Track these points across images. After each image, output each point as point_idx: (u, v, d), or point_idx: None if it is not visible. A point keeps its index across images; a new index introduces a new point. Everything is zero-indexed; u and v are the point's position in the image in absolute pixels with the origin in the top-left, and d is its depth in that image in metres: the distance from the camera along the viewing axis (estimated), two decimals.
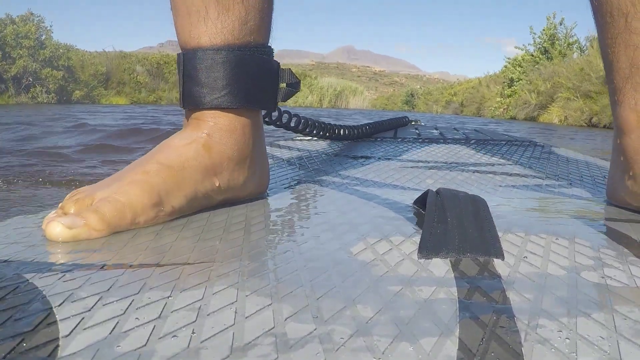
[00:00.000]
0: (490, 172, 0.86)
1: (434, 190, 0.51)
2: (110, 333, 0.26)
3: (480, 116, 20.35)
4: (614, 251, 0.40)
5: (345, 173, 0.83)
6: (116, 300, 0.30)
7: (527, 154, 1.16)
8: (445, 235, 0.40)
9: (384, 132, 1.59)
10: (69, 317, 0.28)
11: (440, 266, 0.36)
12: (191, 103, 0.56)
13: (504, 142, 1.37)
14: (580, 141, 5.48)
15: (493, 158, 1.07)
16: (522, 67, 18.89)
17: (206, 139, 0.54)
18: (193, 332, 0.26)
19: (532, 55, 19.23)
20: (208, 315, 0.28)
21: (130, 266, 0.36)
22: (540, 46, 19.21)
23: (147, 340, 0.25)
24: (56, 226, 0.43)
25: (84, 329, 0.27)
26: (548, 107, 14.55)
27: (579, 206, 0.58)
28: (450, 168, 0.91)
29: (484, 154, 1.14)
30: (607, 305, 0.30)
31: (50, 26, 17.00)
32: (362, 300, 0.30)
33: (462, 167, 0.92)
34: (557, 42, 18.93)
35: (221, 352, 0.24)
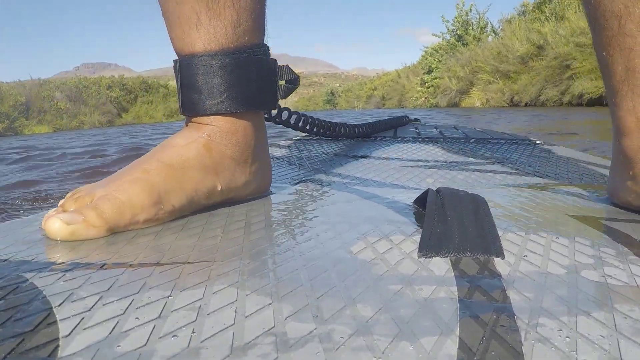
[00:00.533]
0: (490, 171, 0.86)
1: (434, 189, 0.51)
2: (110, 333, 0.26)
3: (402, 107, 20.64)
4: (614, 250, 0.40)
5: (345, 172, 0.83)
6: (116, 300, 0.30)
7: (527, 152, 1.16)
8: (446, 234, 0.40)
9: (384, 132, 1.59)
10: (69, 317, 0.28)
11: (440, 265, 0.36)
12: (191, 110, 0.56)
13: (503, 141, 1.37)
14: (503, 122, 5.49)
15: (493, 157, 1.07)
16: (438, 53, 19.41)
17: (207, 140, 0.54)
18: (193, 332, 0.26)
19: (448, 43, 19.65)
20: (208, 314, 0.28)
21: (130, 265, 0.36)
22: (455, 33, 19.69)
23: (147, 340, 0.25)
24: (55, 222, 0.43)
25: (84, 328, 0.27)
26: (469, 91, 14.93)
27: (579, 205, 0.58)
28: (450, 167, 0.91)
29: (483, 152, 1.14)
30: (608, 304, 0.30)
31: None
32: (362, 300, 0.30)
33: (462, 166, 0.92)
34: (470, 27, 19.39)
35: (221, 352, 0.24)
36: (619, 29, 0.52)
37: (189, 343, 0.25)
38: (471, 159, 1.03)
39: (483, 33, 19.03)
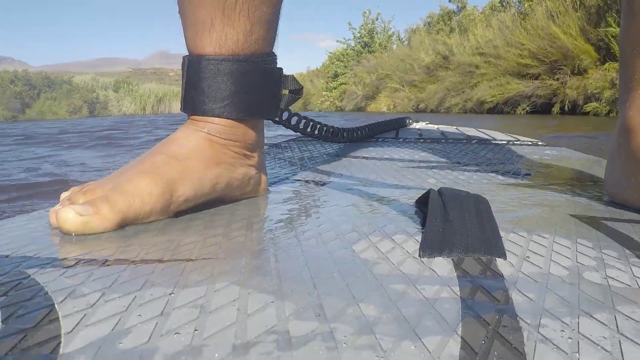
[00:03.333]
0: (492, 172, 0.86)
1: (436, 189, 0.51)
2: (112, 330, 0.26)
3: (308, 110, 21.35)
4: (616, 252, 0.40)
5: (347, 173, 0.83)
6: (118, 297, 0.30)
7: (529, 152, 1.16)
8: (448, 234, 0.40)
9: (386, 133, 1.59)
10: (71, 314, 0.28)
11: (443, 265, 0.36)
12: (191, 110, 0.57)
13: (505, 142, 1.37)
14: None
15: (495, 157, 1.07)
16: (343, 61, 20.12)
17: (207, 134, 0.56)
18: (195, 330, 0.26)
19: (354, 49, 20.37)
20: (210, 312, 0.28)
21: (133, 262, 0.36)
22: (360, 40, 20.42)
23: (150, 337, 0.25)
24: (68, 212, 0.43)
25: (87, 325, 0.27)
26: (375, 97, 15.57)
27: (581, 205, 0.58)
28: (452, 168, 0.91)
29: (485, 153, 1.14)
30: (610, 305, 0.30)
31: None
32: (365, 299, 0.30)
33: (464, 167, 0.92)
34: (376, 35, 20.23)
35: (224, 350, 0.24)
36: None
37: (191, 341, 0.25)
38: (473, 160, 1.03)
39: (389, 42, 19.79)
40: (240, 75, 0.55)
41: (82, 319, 0.27)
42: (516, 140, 1.42)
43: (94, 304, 0.29)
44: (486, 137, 1.52)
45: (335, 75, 20.31)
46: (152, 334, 0.26)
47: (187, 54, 0.58)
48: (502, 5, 13.16)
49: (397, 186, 0.70)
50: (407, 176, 0.80)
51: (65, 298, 0.30)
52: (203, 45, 0.55)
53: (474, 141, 1.38)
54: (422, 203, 0.54)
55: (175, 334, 0.26)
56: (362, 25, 20.53)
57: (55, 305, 0.29)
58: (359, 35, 20.47)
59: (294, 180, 0.75)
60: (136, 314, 0.28)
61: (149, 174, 0.49)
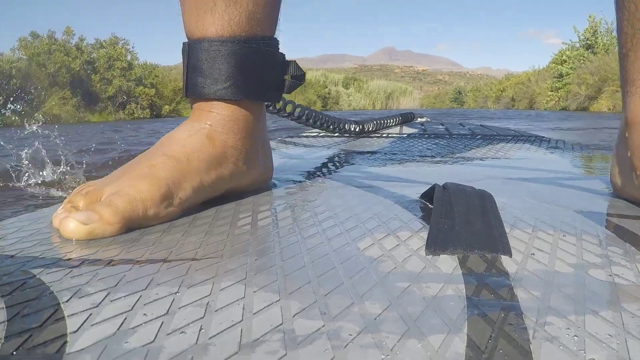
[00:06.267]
0: (496, 167, 0.86)
1: (441, 184, 0.51)
2: (118, 329, 0.26)
3: (533, 109, 22.14)
4: (622, 249, 0.40)
5: (352, 169, 0.83)
6: (124, 296, 0.30)
7: (534, 148, 1.15)
8: (453, 231, 0.40)
9: (390, 128, 1.59)
10: (77, 313, 0.28)
11: (447, 263, 0.36)
12: (194, 93, 0.56)
13: (510, 137, 1.36)
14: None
15: (499, 153, 1.07)
16: (568, 62, 20.94)
17: (209, 130, 0.55)
18: (201, 329, 0.26)
19: (578, 51, 21.30)
20: (216, 311, 0.28)
21: (138, 262, 0.36)
22: (585, 42, 21.39)
23: (155, 336, 0.25)
24: (70, 222, 0.42)
25: (92, 325, 0.27)
26: (597, 97, 16.20)
27: (586, 201, 0.57)
28: (457, 163, 0.91)
29: (490, 149, 1.14)
30: (615, 303, 0.30)
31: (133, 47, 18.92)
32: (370, 297, 0.30)
33: (469, 162, 0.91)
34: (599, 36, 21.04)
35: (229, 349, 0.24)
36: None
37: (197, 340, 0.25)
38: (477, 155, 1.02)
39: (612, 43, 20.63)
40: (243, 57, 0.55)
41: (87, 318, 0.27)
42: (521, 136, 1.42)
43: (100, 303, 0.29)
44: (490, 132, 1.52)
45: (560, 76, 21.25)
46: (157, 333, 0.26)
47: (187, 40, 0.58)
48: None
49: (402, 180, 0.70)
50: (412, 171, 0.80)
51: (71, 298, 0.30)
52: (205, 26, 0.55)
53: (478, 137, 1.38)
54: (427, 197, 0.54)
55: (181, 333, 0.26)
56: (586, 29, 21.50)
57: (61, 305, 0.29)
58: (583, 37, 21.47)
59: (299, 176, 0.75)
60: (142, 313, 0.28)
61: (150, 178, 0.48)
